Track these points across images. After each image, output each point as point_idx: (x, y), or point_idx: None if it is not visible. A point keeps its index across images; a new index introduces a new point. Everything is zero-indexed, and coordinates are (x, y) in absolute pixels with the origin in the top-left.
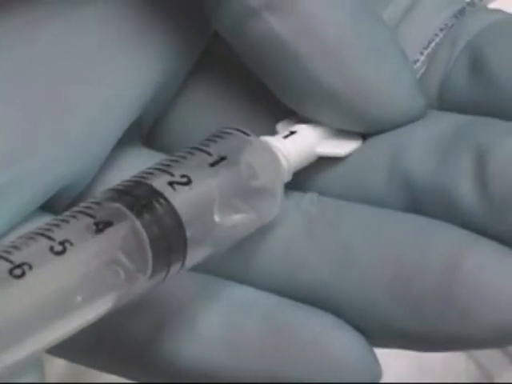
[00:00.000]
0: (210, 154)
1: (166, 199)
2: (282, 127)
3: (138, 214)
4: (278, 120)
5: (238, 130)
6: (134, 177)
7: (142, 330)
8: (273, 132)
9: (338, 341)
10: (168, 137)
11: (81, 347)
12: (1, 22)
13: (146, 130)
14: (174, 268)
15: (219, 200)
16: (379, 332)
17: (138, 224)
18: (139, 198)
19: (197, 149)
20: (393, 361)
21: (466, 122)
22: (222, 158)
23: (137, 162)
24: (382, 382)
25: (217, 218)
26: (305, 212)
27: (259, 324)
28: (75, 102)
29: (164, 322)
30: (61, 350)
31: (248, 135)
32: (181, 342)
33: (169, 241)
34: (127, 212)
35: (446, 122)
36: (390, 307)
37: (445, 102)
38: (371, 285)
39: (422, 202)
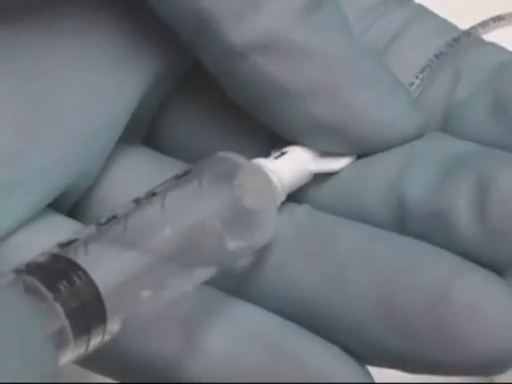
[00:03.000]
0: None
1: (84, 272)
2: (275, 151)
3: (54, 289)
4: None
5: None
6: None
7: (144, 343)
8: (265, 143)
9: (341, 375)
10: (164, 138)
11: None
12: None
13: (143, 131)
14: (95, 341)
15: (215, 227)
16: (367, 352)
17: (52, 299)
18: (55, 272)
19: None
20: None
21: (471, 149)
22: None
23: (136, 161)
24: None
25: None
26: (297, 224)
27: (262, 352)
28: (68, 107)
29: (168, 336)
30: None
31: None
32: (184, 356)
33: (87, 314)
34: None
35: (449, 147)
36: (377, 328)
37: (451, 128)
38: (360, 304)
39: (416, 223)
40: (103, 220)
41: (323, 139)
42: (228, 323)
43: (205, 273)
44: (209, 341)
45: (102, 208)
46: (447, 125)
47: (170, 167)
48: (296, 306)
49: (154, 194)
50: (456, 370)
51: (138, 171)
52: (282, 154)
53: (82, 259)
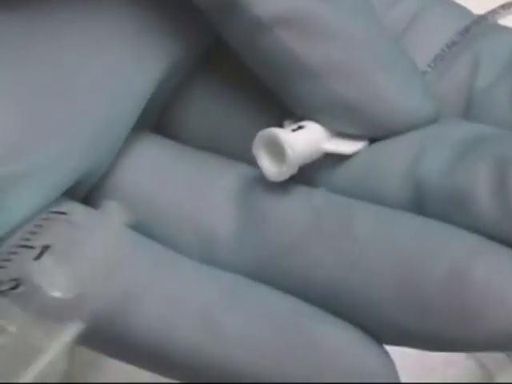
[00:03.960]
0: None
1: None
2: (289, 123)
3: None
4: (285, 113)
5: (55, 212)
6: None
7: (163, 327)
8: (280, 124)
9: (361, 357)
10: (177, 125)
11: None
12: (7, 18)
13: (153, 120)
14: None
15: None
16: (385, 331)
17: None
18: None
19: (19, 246)
20: (395, 360)
21: (490, 131)
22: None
23: (148, 149)
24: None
25: None
26: (314, 208)
27: (281, 334)
28: (84, 95)
29: (187, 320)
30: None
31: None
32: (203, 339)
33: None
34: None
35: (467, 129)
36: (396, 307)
37: (472, 115)
38: (379, 284)
39: (435, 204)
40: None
41: (340, 118)
42: (247, 306)
43: None
44: (227, 324)
45: (115, 196)
46: (469, 112)
47: (183, 154)
48: (314, 289)
49: None
50: (475, 347)
51: (151, 159)
52: (300, 127)
53: None
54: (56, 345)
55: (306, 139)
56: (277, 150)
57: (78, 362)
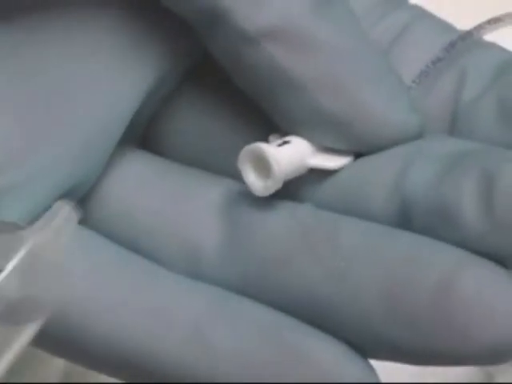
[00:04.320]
0: None
1: None
2: (275, 138)
3: None
4: (270, 128)
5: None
6: None
7: (153, 343)
8: (265, 139)
9: (348, 373)
10: (162, 140)
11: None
12: (8, 24)
13: (140, 133)
14: None
15: None
16: (372, 345)
17: None
18: None
19: None
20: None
21: (475, 146)
22: None
23: (133, 164)
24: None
25: None
26: (300, 223)
27: (270, 349)
28: (70, 108)
29: (177, 335)
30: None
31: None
32: (194, 354)
33: None
34: None
35: (452, 145)
36: (383, 322)
37: (458, 130)
38: (366, 298)
39: (421, 219)
40: None
41: (325, 132)
42: (235, 321)
43: None
44: (215, 336)
45: (100, 209)
46: (455, 127)
47: (168, 168)
48: (300, 303)
49: None
50: (463, 361)
51: (136, 173)
52: (285, 142)
53: None
54: (14, 347)
55: (291, 154)
56: (262, 165)
57: None
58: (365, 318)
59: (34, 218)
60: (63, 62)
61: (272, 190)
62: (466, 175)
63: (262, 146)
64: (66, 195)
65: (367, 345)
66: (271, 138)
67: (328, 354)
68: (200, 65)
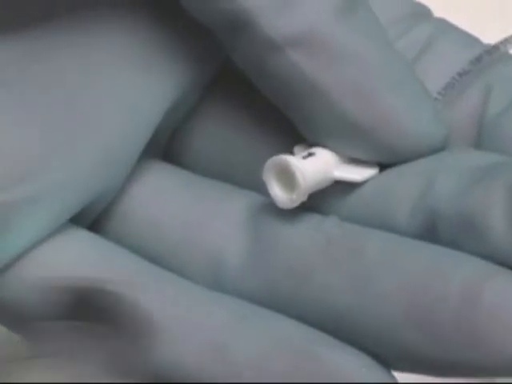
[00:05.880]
0: None
1: None
2: (299, 150)
3: None
4: (295, 139)
5: None
6: None
7: (171, 355)
8: (289, 152)
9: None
10: (185, 153)
11: None
12: (16, 44)
13: (162, 146)
14: None
15: None
16: (397, 358)
17: None
18: None
19: None
20: None
21: (502, 159)
22: None
23: (155, 177)
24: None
25: None
26: (326, 235)
27: (291, 361)
28: (92, 121)
29: (198, 347)
30: None
31: None
32: (214, 366)
33: None
34: None
35: (478, 157)
36: (407, 334)
37: (485, 144)
38: (390, 310)
39: (447, 230)
40: None
41: (349, 141)
42: (258, 332)
43: None
44: (238, 349)
45: (122, 222)
46: (480, 140)
47: (191, 181)
48: (325, 315)
49: None
50: (486, 372)
51: (159, 186)
52: (310, 154)
53: None
54: None
55: (316, 166)
56: (287, 177)
57: None
58: (389, 330)
59: (50, 234)
60: (80, 77)
61: (297, 203)
62: (492, 187)
63: (288, 158)
64: (85, 208)
65: (391, 356)
66: (296, 149)
67: (352, 366)
68: (221, 77)
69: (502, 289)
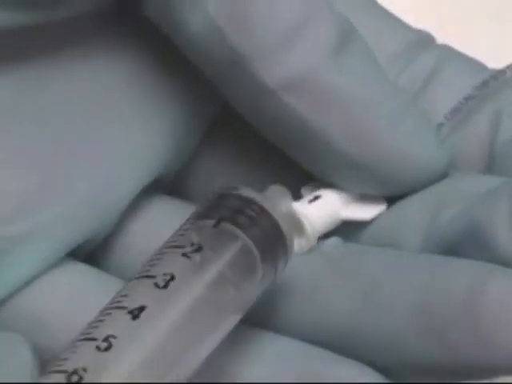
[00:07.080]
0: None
1: (257, 204)
2: (306, 191)
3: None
4: (301, 178)
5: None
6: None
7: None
8: (296, 187)
9: None
10: (192, 187)
11: None
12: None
13: (167, 185)
14: (280, 263)
15: None
16: (405, 366)
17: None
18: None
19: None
20: None
21: (508, 179)
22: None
23: (155, 211)
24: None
25: None
26: (327, 255)
27: (296, 380)
28: (98, 153)
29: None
30: None
31: None
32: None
33: (270, 240)
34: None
35: (485, 183)
36: (414, 340)
37: (496, 169)
38: (396, 319)
39: (456, 251)
40: None
41: (354, 178)
42: (261, 355)
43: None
44: (243, 374)
45: (119, 256)
46: (492, 166)
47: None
48: (329, 331)
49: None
50: (495, 372)
51: (158, 221)
52: (316, 198)
53: None
54: None
55: (323, 210)
56: (295, 224)
57: None
58: (396, 337)
59: (47, 267)
60: (84, 112)
61: (306, 249)
62: (497, 198)
63: (294, 205)
64: (81, 245)
65: (399, 367)
66: (303, 190)
67: (358, 380)
68: (219, 118)
69: (504, 290)
